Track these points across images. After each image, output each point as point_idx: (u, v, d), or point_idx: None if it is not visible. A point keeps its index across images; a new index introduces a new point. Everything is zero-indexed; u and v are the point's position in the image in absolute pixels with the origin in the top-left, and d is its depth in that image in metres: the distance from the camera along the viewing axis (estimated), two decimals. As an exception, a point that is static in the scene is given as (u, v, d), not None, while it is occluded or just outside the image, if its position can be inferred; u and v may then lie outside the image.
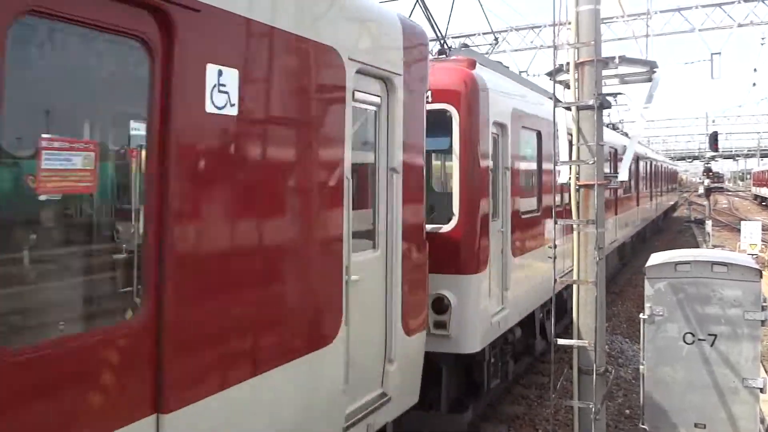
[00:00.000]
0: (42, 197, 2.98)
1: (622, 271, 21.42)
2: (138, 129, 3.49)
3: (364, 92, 5.32)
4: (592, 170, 6.43)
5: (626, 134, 22.52)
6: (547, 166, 10.25)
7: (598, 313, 6.36)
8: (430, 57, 7.42)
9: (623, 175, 9.13)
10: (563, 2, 6.63)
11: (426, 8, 8.65)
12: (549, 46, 29.67)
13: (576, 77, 6.58)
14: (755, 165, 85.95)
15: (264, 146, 4.14)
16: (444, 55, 8.47)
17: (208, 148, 3.66)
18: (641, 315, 6.96)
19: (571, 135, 6.68)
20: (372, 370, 5.50)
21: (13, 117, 2.80)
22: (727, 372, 6.59)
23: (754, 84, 38.09)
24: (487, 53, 11.92)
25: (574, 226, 6.58)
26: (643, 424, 6.91)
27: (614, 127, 23.12)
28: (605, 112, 9.02)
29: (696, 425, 6.66)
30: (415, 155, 6.10)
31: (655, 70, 8.08)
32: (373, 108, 5.60)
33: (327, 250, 4.71)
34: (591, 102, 6.40)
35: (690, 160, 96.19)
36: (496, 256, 8.11)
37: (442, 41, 8.97)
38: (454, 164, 7.51)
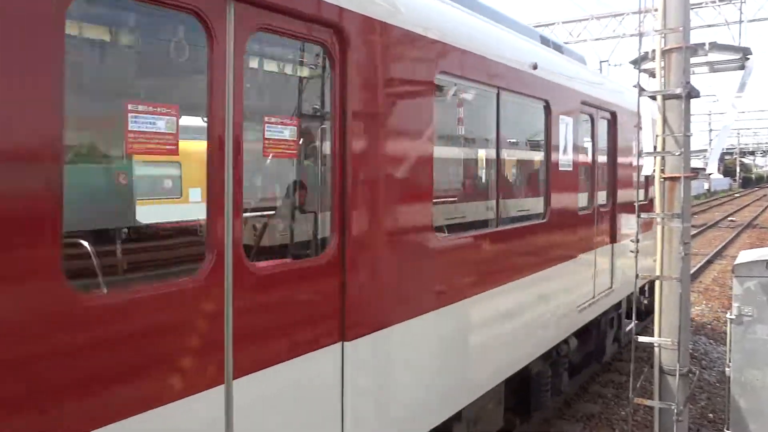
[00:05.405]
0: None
1: (708, 268, 20.51)
2: None
3: None
4: (679, 162, 6.17)
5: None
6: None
7: (682, 310, 6.12)
8: None
9: (712, 167, 8.71)
10: (650, -13, 6.39)
11: None
12: (633, 35, 28.67)
13: (662, 65, 6.31)
14: None
15: None
16: None
17: None
18: (728, 315, 6.67)
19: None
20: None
21: None
22: (821, 378, 6.24)
23: None
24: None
25: (658, 219, 6.34)
26: (728, 429, 6.63)
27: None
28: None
29: (785, 432, 6.34)
30: None
31: (748, 57, 7.64)
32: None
33: None
34: (678, 91, 6.13)
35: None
36: None
37: None
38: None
